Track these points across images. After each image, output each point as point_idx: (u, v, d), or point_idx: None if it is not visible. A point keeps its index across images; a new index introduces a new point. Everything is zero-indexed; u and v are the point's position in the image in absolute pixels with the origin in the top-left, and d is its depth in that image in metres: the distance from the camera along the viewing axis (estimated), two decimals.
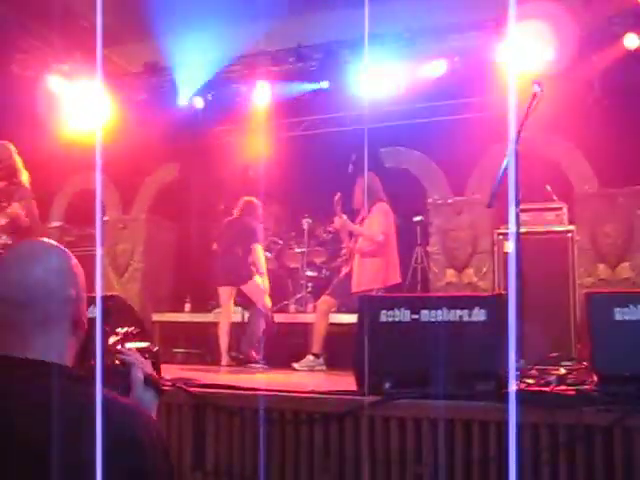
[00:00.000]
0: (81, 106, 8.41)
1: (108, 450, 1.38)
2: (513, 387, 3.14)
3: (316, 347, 6.31)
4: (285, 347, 7.06)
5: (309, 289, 7.89)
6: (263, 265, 6.99)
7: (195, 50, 8.54)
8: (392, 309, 3.50)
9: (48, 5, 7.80)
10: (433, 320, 3.43)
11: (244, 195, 7.47)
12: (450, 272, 6.95)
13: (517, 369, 3.75)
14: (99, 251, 5.10)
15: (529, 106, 4.12)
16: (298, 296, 7.95)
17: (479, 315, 3.37)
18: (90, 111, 8.34)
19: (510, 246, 6.45)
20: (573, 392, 3.00)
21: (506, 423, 2.98)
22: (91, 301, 3.84)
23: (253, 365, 6.84)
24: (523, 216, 6.70)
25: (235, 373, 6.17)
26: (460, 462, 3.00)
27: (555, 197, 6.64)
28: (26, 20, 7.96)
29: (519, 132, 4.02)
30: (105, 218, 8.24)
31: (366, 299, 3.75)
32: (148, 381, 1.77)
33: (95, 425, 1.40)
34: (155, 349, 1.93)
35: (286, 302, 8.03)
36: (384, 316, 3.51)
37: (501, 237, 6.69)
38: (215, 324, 7.28)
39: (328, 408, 3.26)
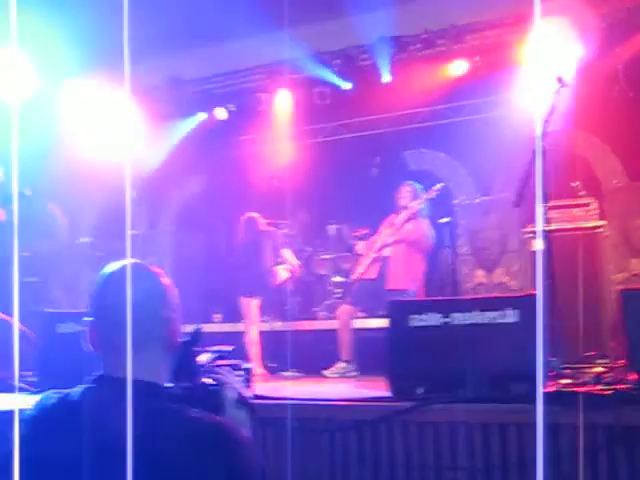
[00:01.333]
0: (107, 121, 8.49)
1: (205, 469, 1.41)
2: (540, 388, 3.07)
3: (345, 354, 6.27)
4: (316, 354, 7.02)
5: (338, 295, 7.85)
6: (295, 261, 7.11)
7: (216, 62, 8.61)
8: (422, 313, 3.46)
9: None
10: (464, 323, 3.39)
11: (270, 204, 7.49)
12: (480, 273, 6.88)
13: (550, 369, 3.69)
14: (129, 267, 5.07)
15: (552, 102, 4.06)
16: (327, 302, 7.92)
17: (511, 316, 3.32)
18: (116, 126, 8.41)
19: (538, 244, 6.38)
20: (610, 392, 2.93)
21: (545, 425, 2.92)
22: None
23: (284, 374, 6.83)
24: (552, 213, 6.61)
25: (266, 382, 6.16)
26: (497, 466, 2.95)
27: (583, 193, 6.53)
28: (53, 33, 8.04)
29: (544, 128, 3.96)
30: (133, 232, 8.30)
31: (395, 304, 3.71)
32: (240, 400, 1.75)
33: (195, 444, 1.43)
34: (246, 366, 1.93)
35: (315, 309, 8.00)
36: (414, 320, 3.47)
37: (530, 235, 6.60)
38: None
39: (361, 415, 3.22)
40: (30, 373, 4.11)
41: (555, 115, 4.11)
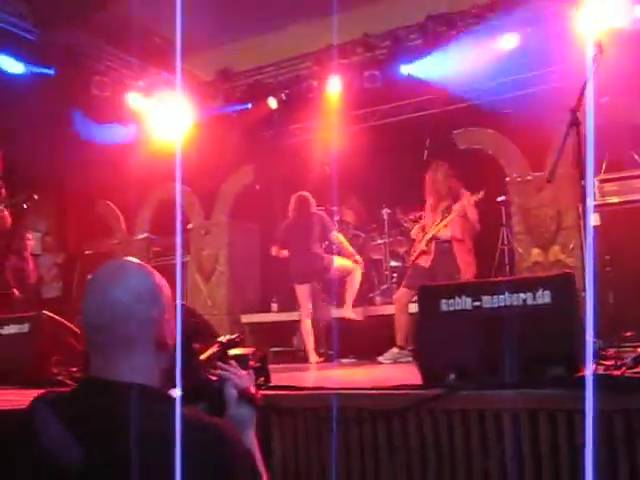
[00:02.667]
0: (160, 119, 8.61)
1: (192, 471, 1.36)
2: (590, 371, 2.92)
3: (400, 339, 6.17)
4: (373, 340, 6.95)
5: (394, 280, 7.76)
6: (349, 247, 6.96)
7: (266, 52, 8.59)
8: (452, 297, 3.33)
9: (120, 27, 8.02)
10: (496, 306, 3.24)
11: (322, 191, 7.43)
12: (536, 251, 6.64)
13: (593, 350, 3.52)
14: (179, 261, 5.12)
15: (591, 71, 3.83)
16: (383, 287, 7.84)
17: (544, 297, 3.15)
18: (169, 123, 8.52)
19: (592, 220, 6.13)
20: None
21: (576, 411, 2.78)
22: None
23: (342, 360, 6.79)
24: (609, 186, 6.36)
25: (317, 369, 6.15)
26: (528, 454, 2.82)
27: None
28: (100, 43, 8.20)
29: (579, 98, 3.75)
30: (189, 226, 8.40)
31: (425, 289, 3.59)
32: (243, 396, 1.70)
33: (185, 446, 1.37)
34: (260, 354, 1.88)
35: (372, 294, 7.93)
36: (445, 305, 3.35)
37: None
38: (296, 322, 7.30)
39: (390, 404, 3.14)
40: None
41: (593, 84, 3.89)
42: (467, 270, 5.94)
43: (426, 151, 7.49)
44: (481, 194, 6.10)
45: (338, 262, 6.91)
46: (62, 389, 1.61)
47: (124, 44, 8.31)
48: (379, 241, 8.08)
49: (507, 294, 3.22)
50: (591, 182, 4.04)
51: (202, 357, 1.70)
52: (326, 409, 3.25)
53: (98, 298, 1.51)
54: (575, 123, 3.80)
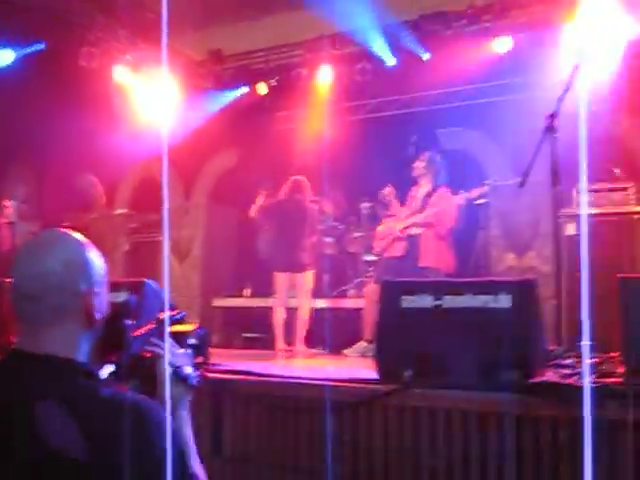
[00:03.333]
0: (146, 95, 8.54)
1: (111, 448, 1.35)
2: (587, 382, 2.92)
3: (368, 333, 6.17)
4: (342, 333, 6.95)
5: (369, 273, 7.75)
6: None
7: (257, 37, 8.55)
8: (413, 294, 3.34)
9: None
10: (457, 306, 3.25)
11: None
12: (511, 256, 6.65)
13: (552, 357, 3.53)
14: (166, 238, 5.10)
15: (570, 79, 3.84)
16: (357, 281, 7.83)
17: (505, 301, 3.16)
18: (155, 100, 8.46)
19: (575, 228, 6.15)
20: (597, 384, 2.76)
21: (525, 417, 2.79)
22: (125, 287, 3.81)
23: (309, 350, 6.81)
24: (587, 197, 6.37)
25: (282, 358, 6.15)
26: (475, 455, 2.83)
27: (619, 175, 6.24)
28: (91, 13, 8.12)
29: (558, 107, 3.76)
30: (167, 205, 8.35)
31: (387, 284, 3.59)
32: (177, 375, 1.68)
33: (104, 423, 1.38)
34: (202, 331, 1.84)
35: (345, 287, 7.93)
36: (405, 302, 3.35)
37: (564, 219, 6.35)
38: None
39: (343, 397, 3.14)
40: None
41: (571, 93, 3.89)
42: (429, 258, 5.94)
43: (411, 147, 7.47)
44: (484, 189, 6.07)
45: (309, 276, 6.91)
46: None
47: (115, 15, 8.25)
48: (356, 234, 8.07)
49: (469, 295, 3.23)
50: (585, 190, 4.01)
51: (136, 333, 1.67)
52: (280, 398, 3.26)
53: (30, 266, 1.49)
54: (551, 130, 3.80)
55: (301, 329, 6.81)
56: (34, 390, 1.40)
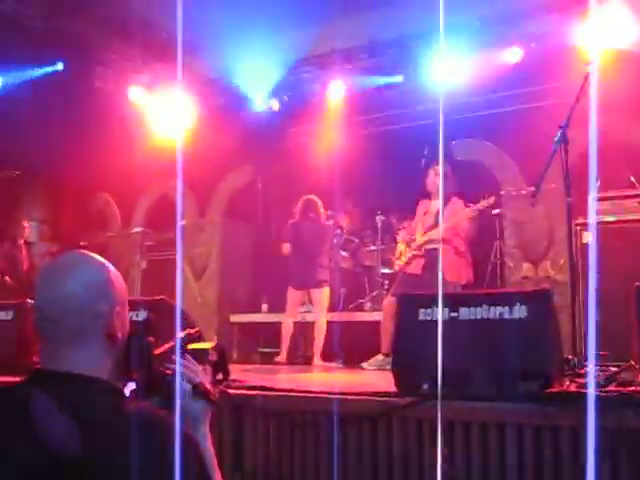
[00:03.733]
0: (161, 115, 8.65)
1: (135, 461, 1.37)
2: (592, 390, 2.94)
3: (385, 347, 6.19)
4: (360, 346, 6.97)
5: (385, 287, 7.77)
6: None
7: (269, 53, 8.62)
8: (430, 307, 3.36)
9: (126, 19, 8.06)
10: (473, 318, 3.27)
11: (318, 195, 7.46)
12: (526, 266, 6.66)
13: (571, 367, 3.55)
14: (179, 257, 5.16)
15: (581, 88, 3.87)
16: (374, 294, 7.86)
17: (520, 312, 3.18)
18: (170, 119, 8.56)
19: (589, 237, 6.14)
20: (615, 394, 2.78)
21: (544, 427, 2.81)
22: (143, 305, 3.86)
23: (326, 364, 6.83)
24: (603, 204, 6.37)
25: (297, 372, 6.19)
26: (494, 466, 2.84)
27: (635, 182, 6.23)
28: (105, 34, 8.24)
29: (569, 117, 3.78)
30: (182, 222, 8.42)
31: (404, 297, 3.62)
32: (197, 391, 1.72)
33: (126, 437, 1.39)
34: (220, 348, 1.89)
35: (361, 300, 7.95)
36: (422, 314, 3.38)
37: (579, 228, 6.35)
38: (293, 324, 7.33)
39: (362, 410, 3.16)
40: None
41: (586, 102, 3.92)
42: (453, 272, 5.95)
43: (424, 160, 7.50)
44: (492, 200, 6.08)
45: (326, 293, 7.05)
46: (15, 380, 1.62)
47: (128, 37, 8.35)
48: (372, 247, 8.11)
49: (484, 307, 3.25)
50: (594, 199, 4.03)
51: (157, 351, 1.71)
52: (299, 412, 3.28)
53: (50, 289, 1.53)
54: (564, 140, 3.83)
55: (318, 344, 6.88)
56: (55, 407, 1.44)
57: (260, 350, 7.93)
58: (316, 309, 7.04)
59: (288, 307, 7.08)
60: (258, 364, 7.17)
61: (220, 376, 1.85)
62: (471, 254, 6.32)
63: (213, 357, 1.83)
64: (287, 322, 7.02)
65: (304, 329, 7.49)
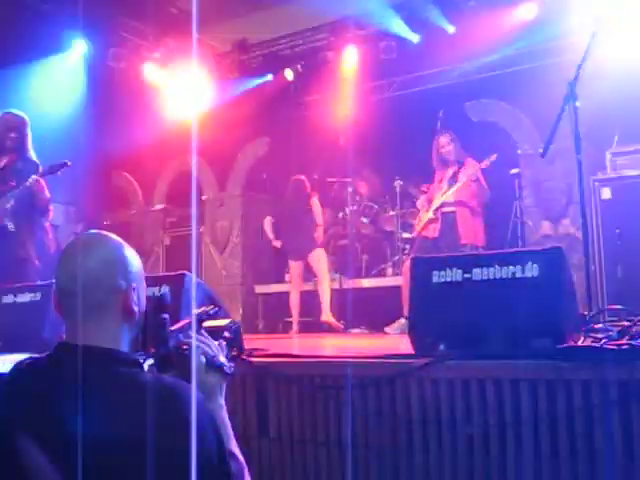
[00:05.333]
0: (176, 91, 8.71)
1: (156, 429, 1.46)
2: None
3: (407, 310, 6.26)
4: (383, 310, 7.07)
5: (405, 251, 7.84)
6: (320, 217, 7.44)
7: (282, 23, 8.62)
8: (444, 269, 3.41)
9: None
10: (485, 278, 3.32)
11: (336, 163, 7.53)
12: (546, 224, 6.69)
13: (585, 323, 3.60)
14: (194, 232, 5.26)
15: (588, 46, 3.86)
16: (395, 259, 7.92)
17: (532, 270, 3.21)
18: (185, 95, 8.62)
19: (610, 192, 6.15)
20: (626, 346, 2.83)
21: (558, 381, 2.87)
22: (165, 280, 3.96)
23: (352, 330, 6.95)
24: (622, 159, 6.35)
25: (323, 338, 6.31)
26: (509, 421, 2.92)
27: None
28: (117, 14, 8.29)
29: (577, 72, 3.78)
30: (203, 197, 8.52)
31: (417, 260, 3.68)
32: (211, 364, 1.81)
33: (143, 404, 1.49)
34: (235, 326, 1.97)
35: (383, 265, 8.03)
36: (436, 277, 3.43)
37: (597, 184, 6.35)
38: (315, 292, 7.45)
39: (380, 372, 3.25)
40: None
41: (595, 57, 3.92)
42: (469, 235, 5.99)
43: (439, 122, 7.50)
44: (493, 157, 6.08)
45: (319, 253, 7.34)
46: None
47: (140, 14, 8.40)
48: (391, 213, 8.16)
49: (497, 267, 3.30)
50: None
51: (173, 328, 1.80)
52: (319, 376, 3.38)
53: (70, 266, 1.63)
54: (572, 96, 3.84)
55: (325, 301, 7.10)
56: (79, 378, 1.54)
57: (286, 320, 8.06)
58: (316, 270, 7.35)
59: (291, 279, 7.49)
60: (283, 333, 7.31)
61: (235, 352, 1.93)
62: (487, 217, 6.34)
63: (228, 334, 1.92)
64: (293, 293, 7.29)
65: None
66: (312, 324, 7.88)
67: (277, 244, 7.64)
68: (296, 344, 5.73)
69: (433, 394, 3.11)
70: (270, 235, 7.63)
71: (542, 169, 6.67)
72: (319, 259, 7.35)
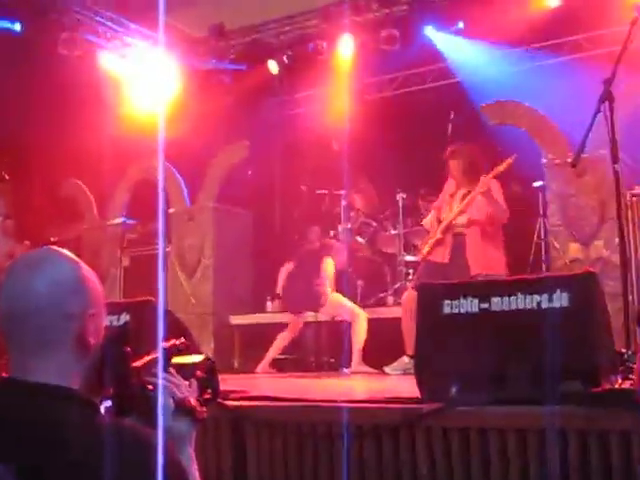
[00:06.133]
0: (139, 84, 8.73)
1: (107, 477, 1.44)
2: None
3: (410, 347, 6.27)
4: (383, 347, 7.06)
5: (409, 277, 7.85)
6: (331, 278, 7.39)
7: (265, 6, 8.66)
8: (456, 298, 3.44)
9: None
10: (506, 309, 3.35)
11: (328, 172, 7.55)
12: (574, 247, 6.71)
13: (623, 361, 3.62)
14: (161, 251, 5.27)
15: (628, 35, 3.92)
16: (396, 286, 7.93)
17: (562, 299, 3.25)
18: (150, 89, 8.64)
19: None
20: None
21: (592, 431, 2.89)
22: (126, 308, 3.96)
23: (344, 370, 6.95)
24: None
25: (312, 379, 6.30)
26: (534, 478, 2.93)
27: None
28: None
29: (615, 68, 3.84)
30: (170, 210, 8.50)
31: (425, 288, 3.71)
32: (180, 408, 1.80)
33: (101, 452, 1.47)
34: (210, 364, 1.96)
35: (382, 294, 8.03)
36: (448, 307, 3.46)
37: (635, 199, 6.42)
38: (306, 324, 7.45)
39: (380, 420, 3.26)
40: None
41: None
42: (478, 263, 5.99)
43: (450, 125, 7.56)
44: (510, 160, 6.07)
45: (333, 297, 7.26)
46: None
47: None
48: (393, 232, 8.17)
49: (519, 295, 3.33)
50: None
51: (136, 363, 1.79)
52: (308, 424, 3.38)
53: (14, 288, 1.61)
54: (608, 98, 3.89)
55: (357, 348, 7.07)
56: (25, 420, 1.53)
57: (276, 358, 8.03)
58: (345, 318, 7.31)
59: (289, 328, 7.50)
60: (267, 373, 7.27)
61: (208, 394, 1.93)
62: (509, 237, 6.35)
63: (200, 373, 1.91)
64: (285, 335, 7.42)
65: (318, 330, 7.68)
66: (297, 362, 7.87)
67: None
68: (279, 385, 5.72)
69: (444, 446, 3.12)
70: (280, 284, 7.58)
71: (571, 181, 6.70)
72: (337, 305, 7.28)
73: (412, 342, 6.18)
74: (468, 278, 5.86)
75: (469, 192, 6.17)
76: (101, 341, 1.71)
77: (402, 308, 6.38)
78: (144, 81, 8.62)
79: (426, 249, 6.37)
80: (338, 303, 7.25)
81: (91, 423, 1.54)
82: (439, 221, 6.38)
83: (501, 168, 6.00)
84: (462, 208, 6.14)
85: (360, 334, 7.05)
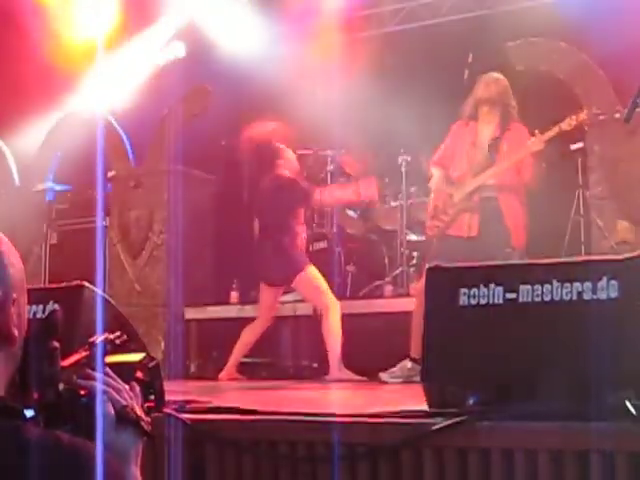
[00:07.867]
0: (71, 8, 8.66)
1: None
2: None
3: (416, 349, 6.26)
4: (379, 348, 7.06)
5: (413, 261, 7.86)
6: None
7: None
8: (476, 286, 3.42)
9: None
10: (538, 300, 3.33)
11: (311, 127, 7.53)
12: (623, 225, 6.73)
13: None
14: (99, 224, 5.25)
15: None
16: (397, 272, 7.93)
17: (609, 289, 3.24)
18: (85, 14, 8.58)
19: None
20: None
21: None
22: (53, 295, 3.95)
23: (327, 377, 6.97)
24: None
25: (290, 389, 6.31)
26: None
27: None
28: None
29: None
30: (110, 174, 8.45)
31: (436, 271, 3.69)
32: (123, 417, 1.79)
33: (29, 471, 1.45)
34: (152, 364, 1.95)
35: (379, 282, 8.02)
36: (465, 297, 3.44)
37: None
38: (280, 318, 7.42)
39: (377, 438, 3.25)
40: None
41: None
42: (519, 235, 6.03)
43: (467, 71, 7.55)
44: (585, 114, 6.08)
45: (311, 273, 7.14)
46: None
47: None
48: (393, 204, 8.17)
49: (555, 283, 3.32)
50: None
51: (66, 362, 1.78)
52: (286, 443, 3.37)
53: None
54: None
55: (334, 349, 6.94)
56: None
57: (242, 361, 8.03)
58: (314, 304, 7.33)
59: (260, 308, 7.39)
60: (230, 380, 7.27)
61: (151, 402, 1.92)
62: (540, 210, 6.39)
63: (141, 375, 1.90)
64: (255, 328, 7.26)
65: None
66: (268, 366, 7.88)
67: None
68: (249, 395, 5.71)
69: (458, 470, 3.11)
70: None
71: (620, 143, 6.71)
72: (310, 283, 7.09)
73: (419, 341, 6.21)
74: (504, 256, 5.80)
75: (496, 138, 6.18)
76: (24, 335, 1.69)
77: (416, 299, 6.31)
78: (78, 4, 8.56)
79: (442, 219, 6.32)
80: (313, 279, 7.08)
81: (18, 437, 1.52)
82: (450, 181, 6.37)
83: (569, 123, 6.02)
84: (508, 164, 6.15)
85: (335, 330, 6.95)
